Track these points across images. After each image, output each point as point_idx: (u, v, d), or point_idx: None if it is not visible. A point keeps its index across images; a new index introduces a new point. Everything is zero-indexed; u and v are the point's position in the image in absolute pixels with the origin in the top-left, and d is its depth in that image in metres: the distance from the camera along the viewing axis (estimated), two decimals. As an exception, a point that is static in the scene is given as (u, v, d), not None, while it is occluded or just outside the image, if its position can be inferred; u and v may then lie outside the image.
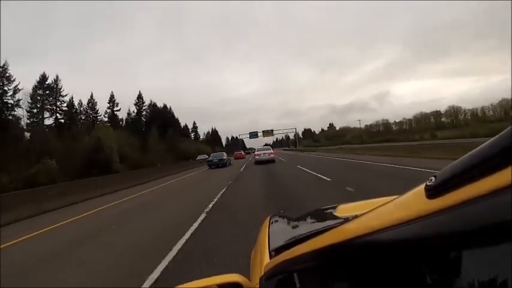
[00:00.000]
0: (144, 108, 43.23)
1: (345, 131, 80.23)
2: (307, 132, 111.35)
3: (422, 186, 0.30)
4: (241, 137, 53.46)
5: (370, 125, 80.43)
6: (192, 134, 62.87)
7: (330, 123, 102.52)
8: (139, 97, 42.98)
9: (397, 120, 73.20)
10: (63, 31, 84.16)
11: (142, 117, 42.62)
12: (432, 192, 0.27)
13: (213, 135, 77.48)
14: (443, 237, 0.25)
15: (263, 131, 59.00)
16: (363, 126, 77.83)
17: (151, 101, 44.07)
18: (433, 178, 0.28)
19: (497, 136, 0.24)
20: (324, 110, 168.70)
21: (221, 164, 18.22)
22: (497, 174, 0.22)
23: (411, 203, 0.31)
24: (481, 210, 0.22)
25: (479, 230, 0.22)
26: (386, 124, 75.67)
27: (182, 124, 57.07)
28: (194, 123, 66.55)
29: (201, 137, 69.04)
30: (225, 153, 20.24)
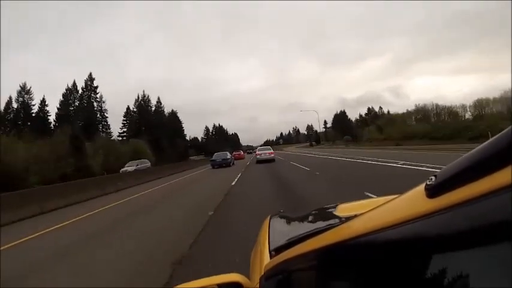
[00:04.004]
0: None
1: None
2: (340, 117, 77.86)
3: (422, 186, 0.30)
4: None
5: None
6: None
7: (368, 108, 72.98)
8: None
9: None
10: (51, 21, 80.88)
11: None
12: (432, 192, 0.27)
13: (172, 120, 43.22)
14: (444, 237, 0.25)
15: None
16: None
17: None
18: (433, 178, 0.28)
19: (496, 136, 0.24)
20: (332, 103, 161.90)
21: (225, 164, 17.75)
22: (497, 174, 0.22)
23: (411, 202, 0.31)
24: (481, 210, 0.22)
25: (479, 229, 0.22)
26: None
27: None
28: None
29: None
30: (228, 153, 20.26)
